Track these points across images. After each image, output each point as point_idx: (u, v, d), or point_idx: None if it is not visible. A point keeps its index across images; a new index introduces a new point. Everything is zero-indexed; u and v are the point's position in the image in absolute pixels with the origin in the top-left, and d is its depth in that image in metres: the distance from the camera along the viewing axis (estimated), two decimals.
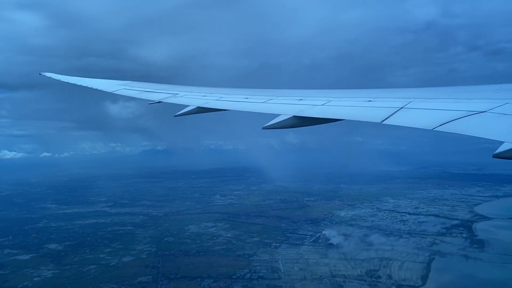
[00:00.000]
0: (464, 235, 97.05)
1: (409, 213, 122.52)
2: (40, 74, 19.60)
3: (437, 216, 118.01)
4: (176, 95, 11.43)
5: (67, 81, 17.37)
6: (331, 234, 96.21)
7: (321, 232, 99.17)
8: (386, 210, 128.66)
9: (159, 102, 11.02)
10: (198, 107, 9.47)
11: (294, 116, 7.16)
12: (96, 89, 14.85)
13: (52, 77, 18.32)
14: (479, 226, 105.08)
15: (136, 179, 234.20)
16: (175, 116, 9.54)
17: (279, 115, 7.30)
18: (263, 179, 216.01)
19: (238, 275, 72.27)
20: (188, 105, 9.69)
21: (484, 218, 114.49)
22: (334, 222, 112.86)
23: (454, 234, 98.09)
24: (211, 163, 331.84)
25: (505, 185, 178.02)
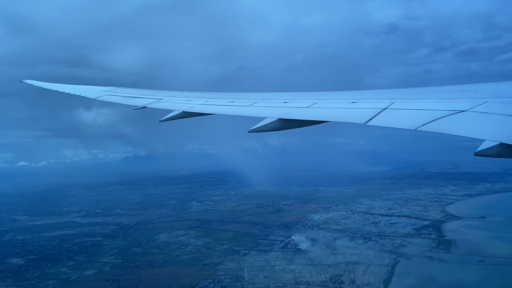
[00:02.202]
0: (433, 236, 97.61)
1: (382, 215, 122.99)
2: (21, 81, 19.24)
3: (408, 217, 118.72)
4: (161, 100, 11.32)
5: (48, 88, 17.08)
6: (301, 239, 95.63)
7: (291, 237, 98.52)
8: (360, 212, 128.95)
9: (144, 107, 10.91)
10: (183, 111, 9.37)
11: (280, 119, 7.15)
12: (79, 95, 14.59)
13: (33, 84, 18.03)
14: (448, 226, 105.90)
15: (114, 187, 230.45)
16: (160, 121, 9.40)
17: (265, 118, 7.30)
18: (243, 183, 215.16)
19: (200, 286, 70.92)
20: (173, 110, 9.59)
21: (454, 217, 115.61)
22: (306, 226, 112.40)
23: (423, 235, 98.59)
24: (193, 168, 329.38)
25: (479, 183, 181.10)
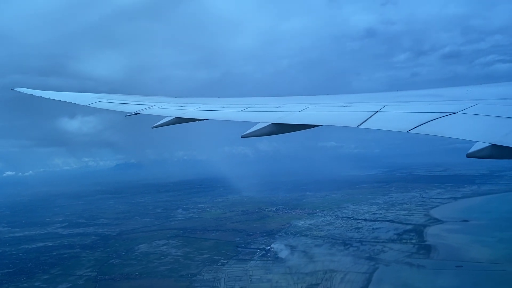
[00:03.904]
0: (414, 241, 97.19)
1: (366, 220, 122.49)
2: (12, 89, 19.09)
3: (392, 221, 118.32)
4: (153, 106, 11.27)
5: (39, 95, 16.86)
6: (281, 247, 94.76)
7: (271, 245, 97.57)
8: (344, 217, 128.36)
9: (136, 114, 10.82)
10: (176, 117, 9.33)
11: (273, 124, 7.14)
12: (70, 102, 14.45)
13: (24, 92, 17.89)
14: (430, 230, 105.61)
15: (101, 195, 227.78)
16: (152, 127, 9.34)
17: (258, 123, 7.28)
18: (231, 189, 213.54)
19: None
20: (166, 116, 9.53)
21: (437, 221, 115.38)
22: (289, 233, 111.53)
23: (404, 240, 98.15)
24: (183, 175, 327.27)
25: (465, 185, 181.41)
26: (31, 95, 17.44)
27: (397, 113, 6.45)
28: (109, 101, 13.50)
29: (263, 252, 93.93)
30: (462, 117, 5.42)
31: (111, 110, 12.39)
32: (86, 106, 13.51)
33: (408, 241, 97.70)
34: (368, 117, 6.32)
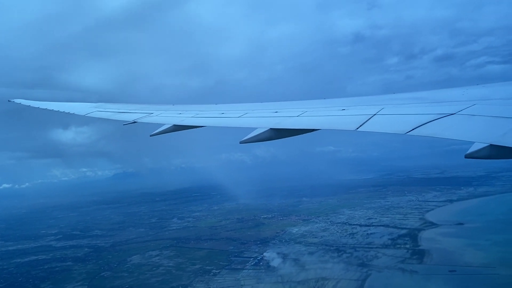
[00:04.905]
0: (407, 246, 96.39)
1: (361, 225, 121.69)
2: (9, 101, 19.10)
3: (387, 226, 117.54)
4: (151, 114, 11.28)
5: (37, 106, 16.91)
6: (274, 255, 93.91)
7: (264, 254, 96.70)
8: (339, 223, 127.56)
9: (134, 122, 10.80)
10: (174, 125, 9.28)
11: (271, 129, 7.12)
12: (68, 113, 14.43)
13: (22, 103, 18.03)
14: (424, 234, 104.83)
15: (98, 206, 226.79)
16: (151, 135, 9.31)
17: (256, 128, 7.27)
18: (227, 197, 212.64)
19: None
20: (164, 124, 9.50)
21: (432, 225, 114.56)
22: (283, 240, 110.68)
23: (398, 246, 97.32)
24: (180, 183, 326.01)
25: (462, 188, 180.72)
26: (28, 106, 17.61)
27: (394, 116, 6.48)
28: (106, 110, 13.49)
29: (256, 261, 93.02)
30: (459, 118, 5.42)
31: (109, 119, 12.38)
32: (84, 115, 13.46)
33: (402, 246, 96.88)
34: (365, 120, 6.31)
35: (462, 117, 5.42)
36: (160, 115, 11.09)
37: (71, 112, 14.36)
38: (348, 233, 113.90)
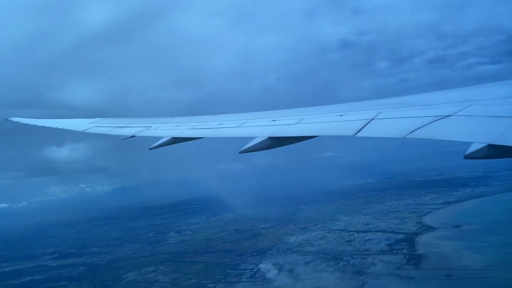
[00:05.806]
0: (404, 251, 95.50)
1: (358, 231, 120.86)
2: (7, 119, 18.77)
3: (384, 231, 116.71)
4: (150, 128, 11.21)
5: (35, 124, 16.69)
6: (269, 267, 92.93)
7: (260, 265, 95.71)
8: (337, 230, 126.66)
9: (133, 136, 10.68)
10: (173, 137, 9.18)
11: (270, 137, 7.06)
12: (66, 129, 14.19)
13: (20, 121, 17.73)
14: (422, 239, 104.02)
15: (95, 222, 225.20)
16: (149, 149, 9.24)
17: (255, 137, 7.22)
18: (226, 208, 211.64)
19: None
20: (163, 137, 9.42)
21: (429, 229, 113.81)
22: (280, 250, 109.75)
23: (395, 251, 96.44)
24: (178, 195, 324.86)
25: (459, 189, 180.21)
26: (26, 125, 17.35)
27: (392, 120, 6.46)
28: (104, 125, 13.29)
29: (252, 273, 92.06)
30: (457, 119, 5.42)
31: (107, 134, 12.19)
32: (82, 132, 13.30)
33: (399, 251, 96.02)
34: (363, 125, 6.28)
35: (459, 118, 5.43)
36: (158, 128, 11.05)
37: (69, 128, 14.26)
38: (345, 240, 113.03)
